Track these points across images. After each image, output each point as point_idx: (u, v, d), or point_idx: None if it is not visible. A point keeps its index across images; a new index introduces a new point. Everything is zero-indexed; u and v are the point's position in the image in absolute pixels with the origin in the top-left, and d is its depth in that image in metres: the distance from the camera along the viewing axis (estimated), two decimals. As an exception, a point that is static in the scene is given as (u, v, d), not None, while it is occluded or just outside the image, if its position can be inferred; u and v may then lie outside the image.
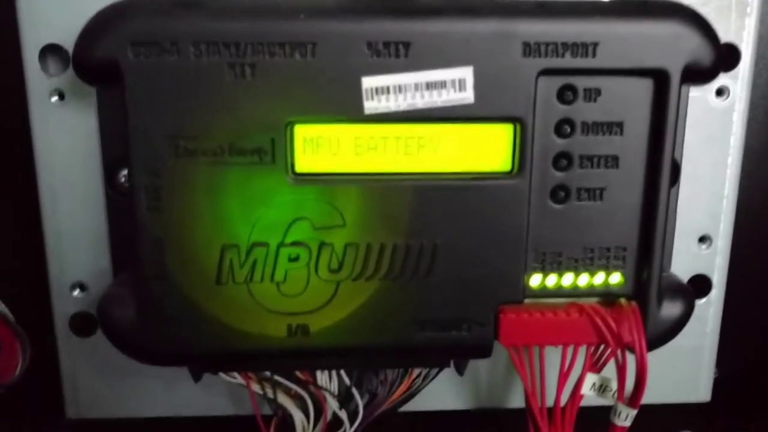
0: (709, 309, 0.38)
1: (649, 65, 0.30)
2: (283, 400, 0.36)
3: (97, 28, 0.29)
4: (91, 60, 0.29)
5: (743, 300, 0.40)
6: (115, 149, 0.33)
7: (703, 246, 0.37)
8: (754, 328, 0.42)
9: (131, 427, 0.39)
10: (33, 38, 0.33)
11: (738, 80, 0.35)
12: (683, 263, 0.37)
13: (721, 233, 0.37)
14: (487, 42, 0.29)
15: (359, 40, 0.29)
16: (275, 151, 0.30)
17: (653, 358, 0.33)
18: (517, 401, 0.39)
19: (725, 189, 0.37)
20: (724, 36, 0.34)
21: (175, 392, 0.38)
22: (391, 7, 0.29)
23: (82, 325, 0.36)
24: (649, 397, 0.35)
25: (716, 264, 0.38)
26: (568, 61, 0.29)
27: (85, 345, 0.37)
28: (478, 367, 0.38)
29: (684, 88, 0.31)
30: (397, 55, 0.29)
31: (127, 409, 0.38)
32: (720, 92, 0.35)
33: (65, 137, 0.34)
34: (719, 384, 0.40)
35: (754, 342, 0.42)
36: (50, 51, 0.33)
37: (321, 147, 0.30)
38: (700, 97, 0.35)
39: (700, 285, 0.38)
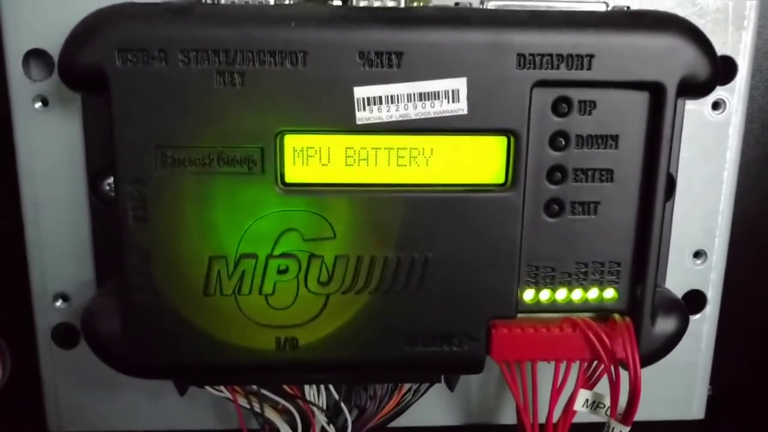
0: (704, 325, 0.38)
1: (645, 78, 0.29)
2: (271, 414, 0.35)
3: (83, 33, 0.28)
4: (76, 66, 0.28)
5: (738, 316, 0.40)
6: (100, 157, 0.33)
7: (698, 261, 0.37)
8: (749, 345, 0.42)
9: (114, 440, 0.38)
10: (16, 43, 0.33)
11: (734, 93, 0.35)
12: (678, 278, 0.37)
13: (717, 248, 0.37)
14: (481, 53, 0.29)
15: (351, 50, 0.28)
16: (264, 161, 0.29)
17: (645, 374, 0.33)
18: (508, 417, 0.39)
19: (721, 204, 0.36)
20: (721, 49, 0.34)
21: (160, 406, 0.37)
22: (384, 17, 0.29)
23: (64, 336, 0.36)
24: (641, 414, 0.35)
25: (711, 279, 0.37)
26: (562, 73, 0.29)
27: (67, 357, 0.36)
28: (470, 382, 0.38)
29: (680, 102, 0.31)
30: (390, 65, 0.29)
31: (110, 422, 0.37)
32: (716, 105, 0.35)
33: (48, 144, 0.33)
34: (713, 401, 0.39)
35: (748, 359, 0.42)
36: (34, 56, 0.33)
37: (311, 157, 0.30)
38: (696, 110, 0.35)
39: (695, 300, 0.37)
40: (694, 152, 0.35)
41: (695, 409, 0.39)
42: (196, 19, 0.28)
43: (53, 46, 0.32)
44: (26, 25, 0.32)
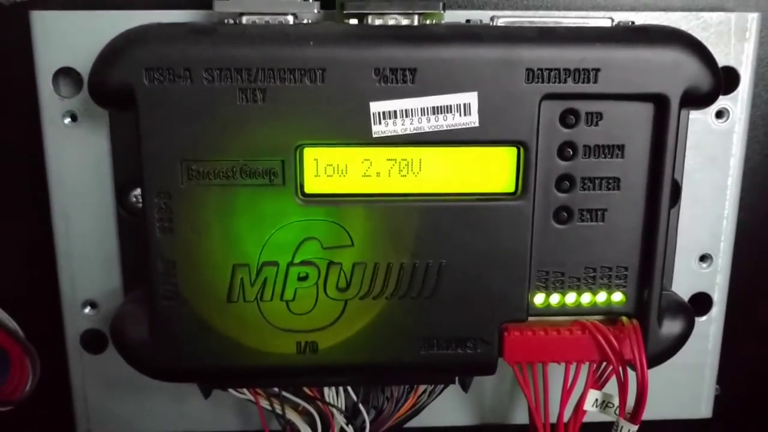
0: (710, 326, 0.39)
1: (649, 90, 0.30)
2: (291, 415, 0.36)
3: (112, 53, 0.30)
4: (106, 85, 0.30)
5: (745, 318, 0.41)
6: (127, 170, 0.34)
7: (704, 265, 0.38)
8: (755, 346, 0.42)
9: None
10: (46, 62, 0.34)
11: (737, 103, 0.36)
12: (684, 282, 0.38)
13: (722, 252, 0.38)
14: (491, 68, 0.30)
15: (367, 66, 0.30)
16: (285, 173, 0.30)
17: (655, 374, 0.34)
18: (521, 417, 0.40)
19: (725, 209, 0.37)
20: (724, 60, 0.35)
21: (184, 408, 0.39)
22: (398, 35, 0.30)
23: (92, 341, 0.37)
24: (650, 414, 0.36)
25: (717, 282, 0.38)
26: (570, 86, 0.30)
27: (95, 361, 0.38)
28: (483, 383, 0.39)
29: (684, 112, 0.32)
30: (404, 81, 0.30)
31: (137, 424, 0.39)
32: (720, 114, 0.36)
33: (77, 158, 0.35)
34: (720, 401, 0.40)
35: (755, 359, 0.43)
36: (63, 74, 0.34)
37: (330, 169, 0.31)
38: (700, 119, 0.36)
39: (702, 303, 0.38)
40: (700, 159, 0.36)
41: (703, 409, 0.40)
42: (219, 40, 0.30)
43: (81, 64, 0.33)
44: (56, 45, 0.34)
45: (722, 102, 0.36)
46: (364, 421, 0.36)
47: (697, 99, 0.31)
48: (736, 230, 0.38)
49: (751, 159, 0.39)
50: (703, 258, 0.38)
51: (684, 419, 0.40)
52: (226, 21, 0.31)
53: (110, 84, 0.30)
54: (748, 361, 0.43)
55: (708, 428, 0.41)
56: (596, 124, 0.31)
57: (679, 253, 0.37)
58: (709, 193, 0.37)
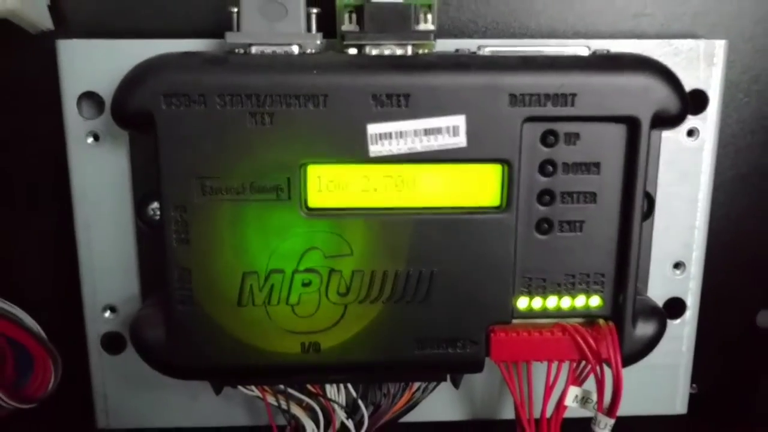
0: (684, 329, 0.41)
1: (622, 113, 0.33)
2: (296, 411, 0.39)
3: (133, 81, 0.33)
4: (127, 109, 0.33)
5: (716, 320, 0.43)
6: (145, 185, 0.37)
7: (678, 272, 0.40)
8: (728, 346, 0.45)
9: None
10: (71, 86, 0.36)
11: (707, 122, 0.39)
12: (660, 287, 0.40)
13: (694, 260, 0.40)
14: (477, 93, 0.33)
15: (365, 92, 0.32)
16: (291, 189, 0.33)
17: (635, 373, 0.37)
18: (508, 413, 0.42)
19: (697, 220, 0.40)
20: (694, 83, 0.38)
21: (197, 404, 0.41)
22: (393, 63, 0.33)
23: (112, 343, 0.40)
24: (630, 410, 0.39)
25: (690, 288, 0.41)
26: (549, 109, 0.33)
27: (114, 361, 0.40)
28: (473, 381, 0.41)
29: (655, 132, 0.35)
30: (399, 105, 0.33)
31: (153, 419, 0.41)
32: (691, 133, 0.39)
33: (99, 174, 0.37)
34: (695, 398, 0.43)
35: (727, 359, 0.45)
36: (86, 97, 0.37)
37: (331, 185, 0.34)
38: (672, 137, 0.38)
39: (676, 307, 0.41)
40: (672, 175, 0.39)
41: (678, 405, 0.43)
42: (230, 68, 0.32)
43: (103, 88, 0.36)
44: (80, 71, 0.36)
45: (693, 122, 0.38)
46: (363, 416, 0.39)
47: (665, 120, 0.34)
48: (708, 240, 0.40)
49: (722, 174, 0.42)
50: (677, 265, 0.40)
51: (661, 415, 0.43)
52: (236, 51, 0.34)
53: (131, 108, 0.32)
54: (721, 360, 0.45)
55: (684, 424, 0.44)
56: (574, 144, 0.34)
57: (655, 261, 0.39)
58: (682, 206, 0.39)
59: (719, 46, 0.38)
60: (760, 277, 0.44)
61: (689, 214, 0.40)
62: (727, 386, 0.45)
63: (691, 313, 0.41)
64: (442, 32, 0.38)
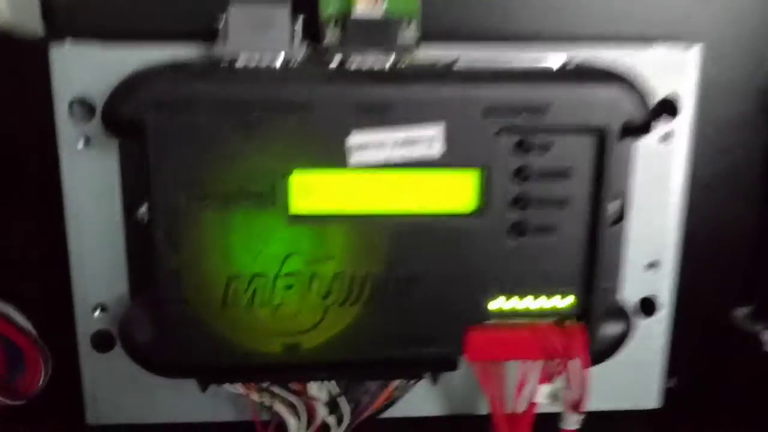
0: (659, 326, 0.43)
1: (590, 124, 0.35)
2: (279, 407, 0.40)
3: (125, 89, 0.34)
4: (118, 117, 0.34)
5: (690, 317, 0.44)
6: (134, 189, 0.38)
7: (652, 271, 0.42)
8: (705, 342, 0.46)
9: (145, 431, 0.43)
10: (63, 92, 0.37)
11: (680, 127, 0.40)
12: (635, 286, 0.41)
13: (669, 259, 0.42)
14: (454, 105, 0.34)
15: (346, 104, 0.34)
16: (274, 196, 0.35)
17: (610, 370, 0.39)
18: (484, 408, 0.43)
19: (670, 221, 0.41)
20: (668, 89, 0.39)
21: (185, 400, 0.42)
22: (374, 75, 0.35)
23: (101, 341, 0.40)
24: (606, 404, 0.42)
25: (664, 286, 0.42)
26: (522, 120, 0.35)
27: (104, 359, 0.41)
28: (452, 377, 0.42)
29: (625, 141, 0.36)
30: (378, 116, 0.34)
31: (141, 415, 0.42)
32: (665, 137, 0.40)
33: (90, 177, 0.38)
34: (670, 393, 0.45)
35: (704, 355, 0.47)
36: (78, 103, 0.37)
37: (313, 192, 0.35)
38: (647, 142, 0.39)
39: (650, 305, 0.42)
40: (647, 177, 0.40)
41: (652, 400, 0.44)
42: (216, 79, 0.34)
43: (93, 94, 0.37)
44: (71, 77, 0.37)
45: (668, 126, 0.40)
46: (343, 413, 0.40)
47: (633, 130, 0.35)
48: (685, 239, 0.42)
49: (696, 176, 0.43)
50: (652, 265, 0.42)
51: (638, 410, 0.44)
52: (223, 60, 0.35)
53: (122, 117, 0.34)
54: (698, 356, 0.46)
55: (659, 418, 0.45)
56: (546, 153, 0.36)
57: (630, 261, 0.40)
58: (657, 207, 0.41)
59: (694, 51, 0.39)
60: (735, 274, 0.46)
61: (663, 215, 0.41)
62: (704, 381, 0.47)
63: (665, 311, 0.42)
64: (424, 37, 0.38)
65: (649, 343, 0.43)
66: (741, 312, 0.46)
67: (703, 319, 0.46)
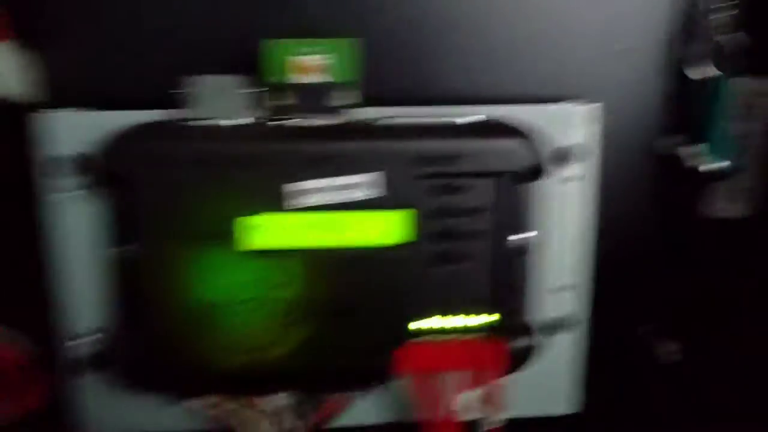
0: (569, 342, 0.48)
1: (494, 169, 0.42)
2: (243, 416, 0.46)
3: (114, 146, 0.41)
4: (107, 170, 0.41)
5: (603, 336, 0.50)
6: (119, 229, 0.43)
7: (565, 294, 0.47)
8: (617, 355, 0.52)
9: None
10: (54, 147, 0.43)
11: (583, 170, 0.46)
12: (549, 307, 0.47)
13: (580, 284, 0.48)
14: (385, 156, 0.41)
15: (293, 155, 0.41)
16: (232, 234, 0.41)
17: (529, 380, 0.46)
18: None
19: (580, 251, 0.47)
20: (575, 137, 0.45)
21: (164, 412, 0.47)
22: (315, 133, 0.42)
23: (92, 363, 0.45)
24: (524, 410, 0.48)
25: (575, 307, 0.48)
26: (440, 167, 0.42)
27: (94, 378, 0.46)
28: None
29: (524, 183, 0.43)
30: (320, 166, 0.41)
31: (125, 426, 0.47)
32: (573, 178, 0.46)
33: (77, 219, 0.43)
34: (587, 399, 0.50)
35: (612, 366, 0.53)
36: (65, 159, 0.42)
37: (265, 230, 0.42)
38: (555, 182, 0.45)
39: (562, 325, 0.48)
40: (556, 214, 0.46)
41: (562, 407, 0.50)
42: (186, 138, 0.41)
43: (78, 151, 0.42)
44: (60, 138, 0.42)
45: (575, 169, 0.45)
46: (299, 420, 0.46)
47: (527, 175, 0.43)
48: (592, 265, 0.48)
49: (604, 212, 0.48)
50: (564, 288, 0.47)
51: (555, 415, 0.50)
52: (187, 123, 0.42)
53: (110, 170, 0.41)
54: (606, 367, 0.52)
55: (574, 424, 0.51)
56: (462, 193, 0.43)
57: (545, 285, 0.46)
58: (567, 239, 0.46)
59: (593, 109, 0.45)
60: (638, 295, 0.52)
61: (574, 245, 0.47)
62: (614, 389, 0.53)
63: (575, 330, 0.48)
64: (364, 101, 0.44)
65: (562, 356, 0.49)
66: (644, 328, 0.52)
67: (611, 334, 0.51)
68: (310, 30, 0.43)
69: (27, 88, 0.44)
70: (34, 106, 0.43)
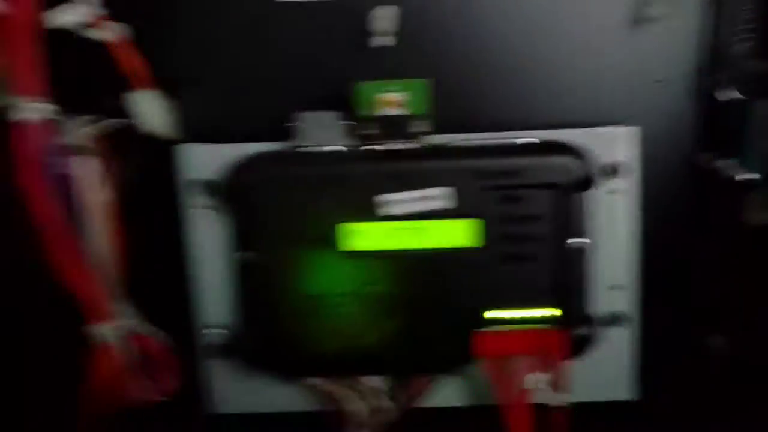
0: (625, 335, 0.54)
1: (550, 182, 0.50)
2: (345, 396, 0.53)
3: (240, 171, 0.51)
4: (233, 191, 0.51)
5: (657, 331, 0.56)
6: (242, 238, 0.53)
7: (616, 292, 0.54)
8: (670, 351, 0.58)
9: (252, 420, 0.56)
10: (189, 173, 0.53)
11: (626, 182, 0.52)
12: (604, 303, 0.53)
13: (630, 283, 0.53)
14: (455, 172, 0.50)
15: (381, 174, 0.50)
16: (335, 238, 0.51)
17: (590, 368, 0.52)
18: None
19: (628, 253, 0.53)
20: (617, 155, 0.52)
21: (280, 392, 0.55)
22: (395, 155, 0.50)
23: (221, 351, 0.54)
24: (585, 396, 0.54)
25: (627, 304, 0.53)
26: (503, 181, 0.50)
27: (223, 364, 0.55)
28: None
29: (576, 193, 0.50)
30: (402, 182, 0.50)
31: (247, 404, 0.55)
32: (619, 190, 0.52)
33: (210, 231, 0.53)
34: (643, 385, 0.55)
35: (670, 359, 0.58)
36: (201, 183, 0.53)
37: (361, 235, 0.51)
38: (607, 193, 0.52)
39: (617, 318, 0.54)
40: (607, 220, 0.52)
41: (623, 393, 0.55)
42: (298, 162, 0.50)
43: (211, 175, 0.53)
44: (192, 165, 0.53)
45: (617, 183, 0.52)
46: (394, 401, 0.54)
47: (579, 186, 0.50)
48: (642, 266, 0.54)
49: (646, 221, 0.54)
50: (615, 287, 0.53)
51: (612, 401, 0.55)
52: (298, 149, 0.51)
53: (235, 191, 0.51)
54: (663, 359, 0.57)
55: (633, 409, 0.56)
56: (523, 203, 0.50)
57: (597, 283, 0.53)
58: (618, 242, 0.53)
59: (635, 131, 0.51)
60: (686, 295, 0.57)
61: (623, 248, 0.53)
62: (673, 379, 0.57)
63: (628, 324, 0.54)
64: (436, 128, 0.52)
65: (619, 348, 0.55)
66: (696, 326, 0.57)
67: (663, 331, 0.57)
68: (391, 73, 0.52)
69: (168, 127, 0.54)
70: (174, 141, 0.54)
